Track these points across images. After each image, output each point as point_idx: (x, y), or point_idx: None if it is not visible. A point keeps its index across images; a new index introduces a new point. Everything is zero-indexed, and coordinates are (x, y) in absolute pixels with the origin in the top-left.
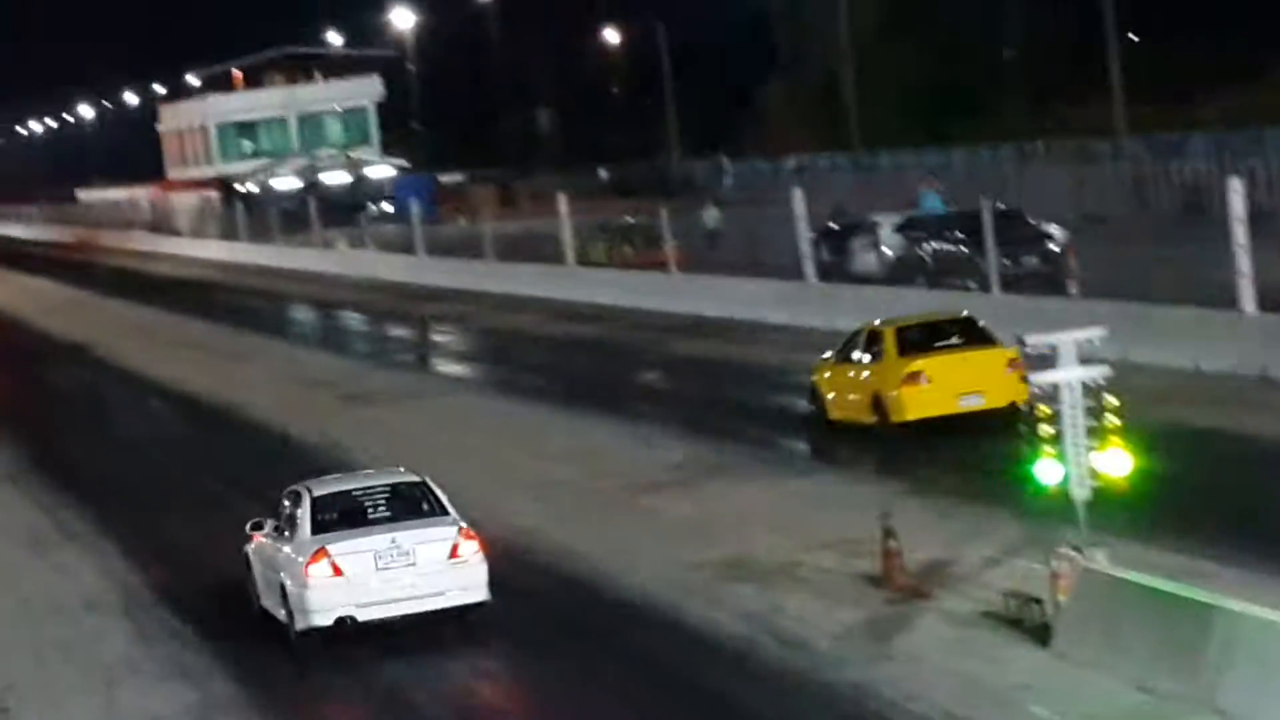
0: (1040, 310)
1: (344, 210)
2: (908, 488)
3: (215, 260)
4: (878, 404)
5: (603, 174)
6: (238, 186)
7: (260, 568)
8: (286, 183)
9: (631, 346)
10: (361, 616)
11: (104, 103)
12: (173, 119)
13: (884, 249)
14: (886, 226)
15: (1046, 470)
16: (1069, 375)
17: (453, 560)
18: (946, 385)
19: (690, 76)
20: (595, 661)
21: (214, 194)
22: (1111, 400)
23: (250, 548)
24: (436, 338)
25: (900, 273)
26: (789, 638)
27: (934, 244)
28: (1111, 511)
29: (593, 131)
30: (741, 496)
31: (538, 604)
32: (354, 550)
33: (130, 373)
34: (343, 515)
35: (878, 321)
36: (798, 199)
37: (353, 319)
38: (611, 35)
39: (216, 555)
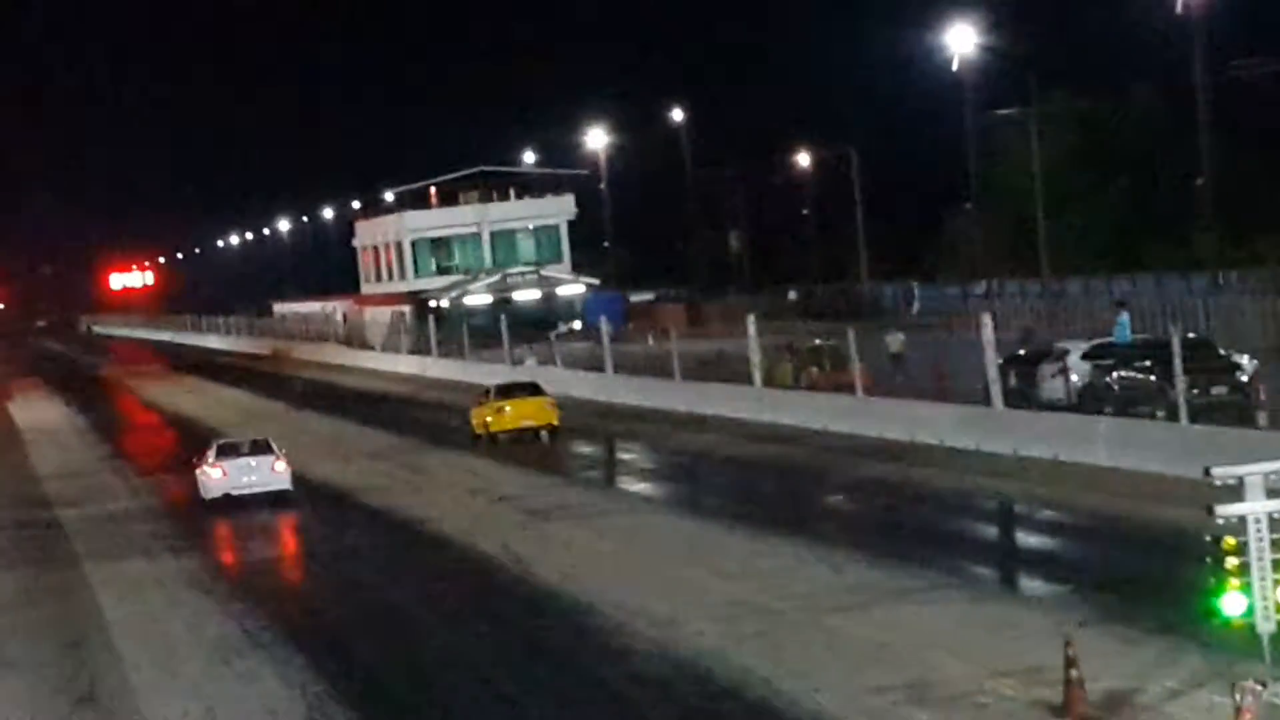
0: (1228, 441)
1: (534, 327)
2: (1092, 615)
3: (406, 374)
4: (485, 425)
5: (791, 295)
6: (430, 302)
7: (199, 476)
8: (478, 299)
9: (816, 468)
10: (234, 493)
11: (302, 218)
12: (368, 234)
13: (1072, 376)
14: (1075, 354)
15: (1232, 602)
16: (1256, 508)
17: (272, 471)
18: (516, 415)
19: (881, 200)
20: None
21: (406, 308)
22: None
23: (197, 471)
24: (622, 455)
25: (1088, 401)
26: None
27: (1122, 372)
28: None
29: (782, 253)
30: (923, 620)
31: None
32: (231, 464)
33: (319, 484)
34: (228, 450)
35: (491, 383)
36: (986, 325)
37: (539, 435)
38: (803, 158)
39: (399, 667)
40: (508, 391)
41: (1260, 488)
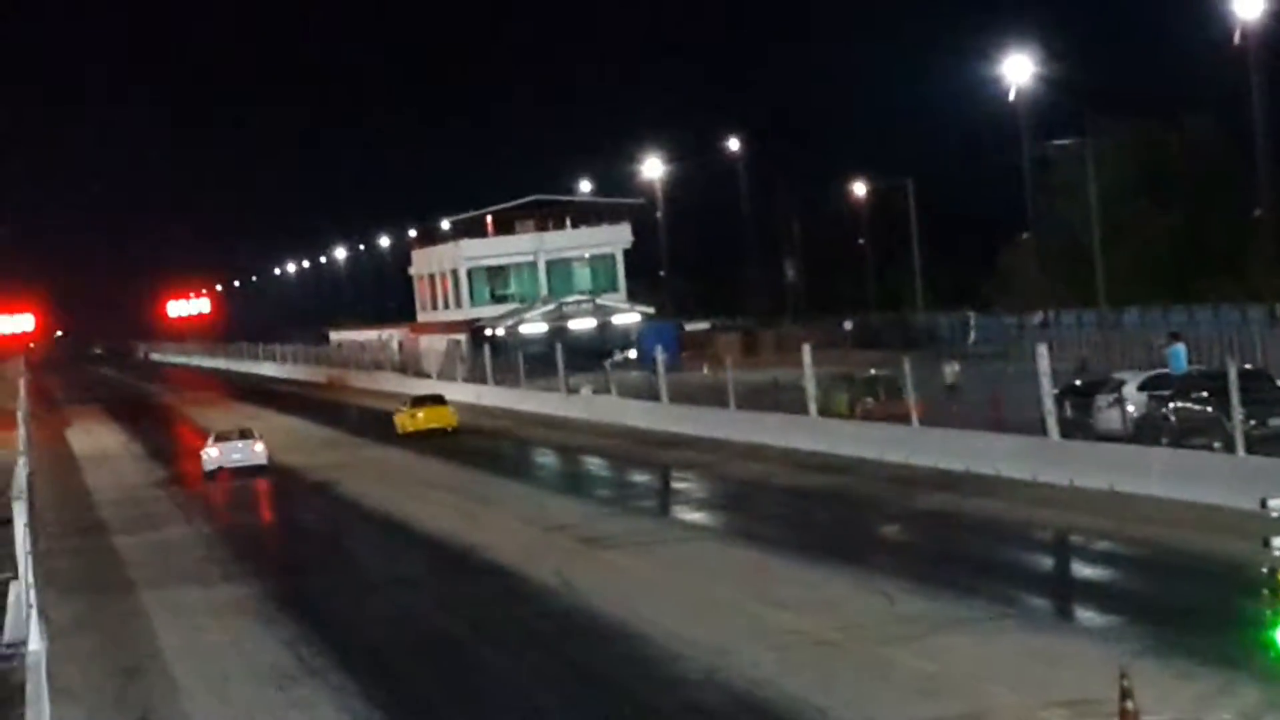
0: None
1: (589, 356)
2: (1148, 647)
3: (461, 403)
4: (404, 426)
5: (847, 325)
6: (486, 330)
7: (202, 455)
8: (534, 327)
9: (872, 498)
10: (227, 467)
11: (359, 246)
12: (424, 262)
13: (1128, 407)
14: (1131, 385)
15: None
16: None
17: (253, 451)
18: (426, 419)
19: (938, 230)
20: None
21: (462, 337)
22: None
23: (201, 451)
24: (677, 484)
25: (1144, 432)
26: None
27: (1178, 403)
28: None
29: (838, 282)
30: (978, 652)
31: None
32: (224, 446)
33: (373, 511)
34: (222, 437)
35: (411, 395)
36: (1042, 355)
37: (595, 463)
38: (859, 188)
39: (451, 694)
40: (421, 401)
41: None
